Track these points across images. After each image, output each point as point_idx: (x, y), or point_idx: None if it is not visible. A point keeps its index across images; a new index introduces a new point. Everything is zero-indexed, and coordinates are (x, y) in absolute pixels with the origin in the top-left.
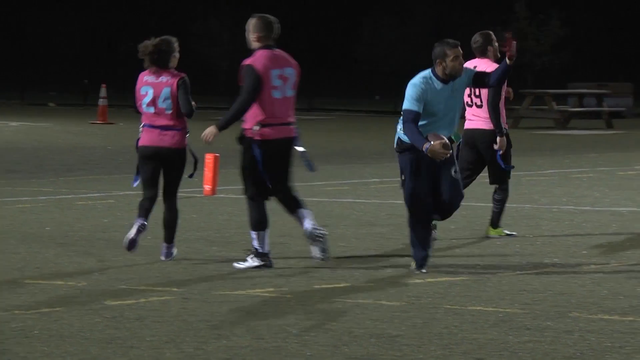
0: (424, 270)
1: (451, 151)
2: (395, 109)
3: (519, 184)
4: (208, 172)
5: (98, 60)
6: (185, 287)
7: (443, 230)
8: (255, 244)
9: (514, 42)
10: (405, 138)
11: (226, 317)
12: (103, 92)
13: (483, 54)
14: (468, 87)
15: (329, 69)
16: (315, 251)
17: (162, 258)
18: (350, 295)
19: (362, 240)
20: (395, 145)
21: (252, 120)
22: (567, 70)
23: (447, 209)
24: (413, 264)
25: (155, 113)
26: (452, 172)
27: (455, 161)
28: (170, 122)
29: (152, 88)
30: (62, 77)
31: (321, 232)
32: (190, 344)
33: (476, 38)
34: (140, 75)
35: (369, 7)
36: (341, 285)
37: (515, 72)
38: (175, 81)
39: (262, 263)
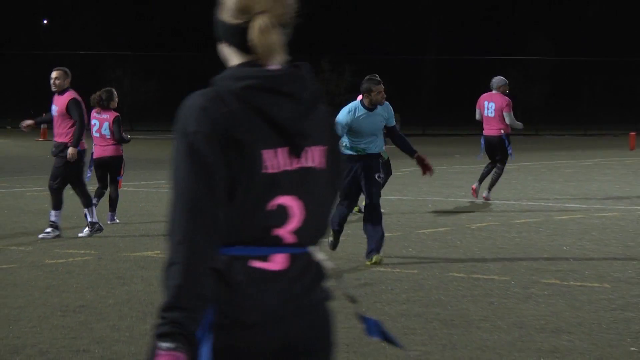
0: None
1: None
2: None
3: None
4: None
5: (38, 95)
6: (100, 250)
7: None
8: (88, 217)
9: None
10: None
11: (128, 271)
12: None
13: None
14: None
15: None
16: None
17: (108, 222)
18: None
19: None
20: None
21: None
22: None
23: (370, 205)
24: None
25: (99, 137)
26: (376, 176)
27: (380, 169)
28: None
29: (98, 121)
30: (15, 107)
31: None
32: (103, 289)
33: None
34: (91, 112)
35: None
36: None
37: None
38: (112, 118)
39: (56, 233)
